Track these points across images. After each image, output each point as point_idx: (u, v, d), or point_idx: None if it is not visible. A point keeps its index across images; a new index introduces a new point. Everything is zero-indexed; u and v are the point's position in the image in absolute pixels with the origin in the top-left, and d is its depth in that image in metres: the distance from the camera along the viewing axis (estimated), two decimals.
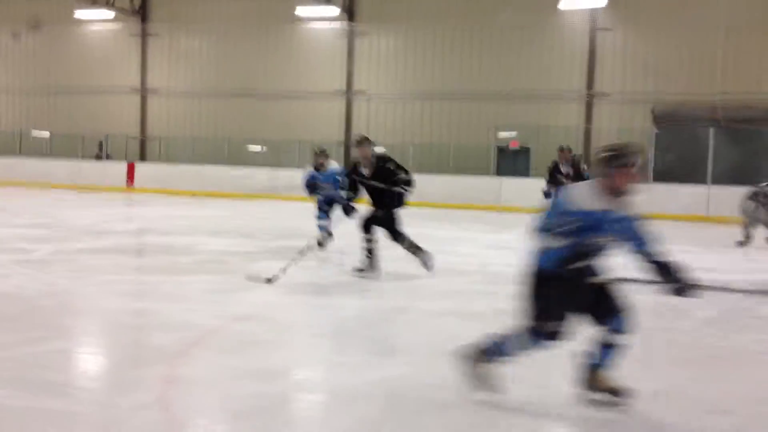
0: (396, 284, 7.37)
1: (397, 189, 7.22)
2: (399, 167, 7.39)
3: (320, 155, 9.15)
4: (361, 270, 7.42)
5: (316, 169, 9.12)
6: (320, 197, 9.11)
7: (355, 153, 7.64)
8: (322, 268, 8.25)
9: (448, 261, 8.86)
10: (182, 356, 4.30)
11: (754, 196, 10.61)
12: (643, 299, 6.88)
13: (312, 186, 9.10)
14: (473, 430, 3.33)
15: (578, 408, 3.68)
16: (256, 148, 22.40)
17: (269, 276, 6.67)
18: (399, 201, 7.34)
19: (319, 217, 9.18)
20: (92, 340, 4.77)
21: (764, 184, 10.72)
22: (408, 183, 7.33)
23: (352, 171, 7.51)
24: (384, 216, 7.36)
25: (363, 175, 7.29)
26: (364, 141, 7.32)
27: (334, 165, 9.27)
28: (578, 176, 9.22)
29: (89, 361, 4.45)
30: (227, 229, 11.49)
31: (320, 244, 8.85)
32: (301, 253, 7.58)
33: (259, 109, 23.24)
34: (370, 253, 7.44)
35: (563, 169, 9.46)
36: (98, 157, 23.34)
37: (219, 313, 5.53)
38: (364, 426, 3.32)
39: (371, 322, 5.65)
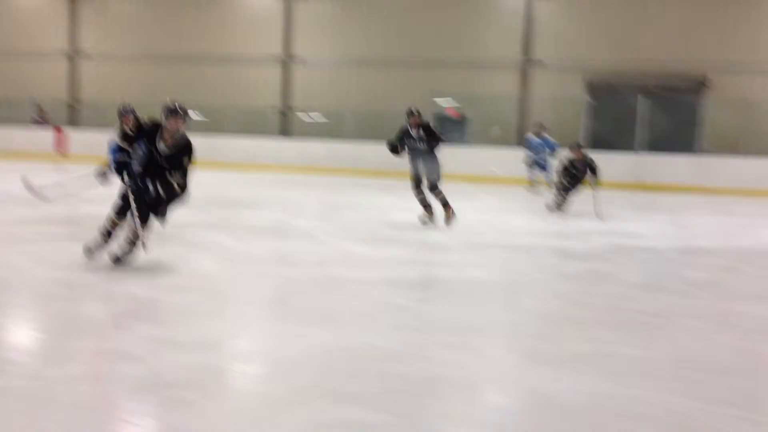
0: (331, 253, 7.39)
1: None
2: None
3: (127, 115, 7.93)
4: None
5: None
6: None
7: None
8: (256, 237, 8.20)
9: (384, 229, 8.92)
10: (114, 328, 4.24)
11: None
12: (576, 267, 7.12)
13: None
14: (405, 396, 3.38)
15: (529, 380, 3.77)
16: (192, 114, 21.94)
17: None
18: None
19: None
20: (21, 312, 4.65)
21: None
22: None
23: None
24: None
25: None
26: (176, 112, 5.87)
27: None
28: (430, 139, 9.32)
29: (17, 333, 4.35)
30: None
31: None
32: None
33: (195, 75, 22.70)
34: None
35: (413, 132, 9.40)
36: (37, 122, 22.39)
37: (153, 284, 5.45)
38: (297, 394, 3.34)
39: (306, 292, 5.65)
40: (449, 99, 20.39)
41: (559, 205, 11.21)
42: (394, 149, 9.49)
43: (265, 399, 3.34)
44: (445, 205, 9.33)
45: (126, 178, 5.77)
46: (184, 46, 22.75)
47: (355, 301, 5.29)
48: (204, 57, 22.49)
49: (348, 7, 21.98)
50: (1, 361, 3.74)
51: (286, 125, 22.44)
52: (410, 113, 9.57)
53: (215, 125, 20.89)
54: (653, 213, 12.20)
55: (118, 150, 5.87)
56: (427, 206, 9.42)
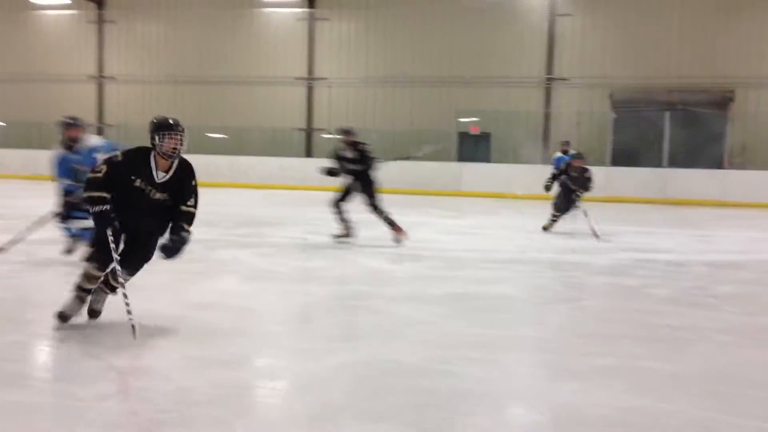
0: (355, 271, 7.41)
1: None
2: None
3: (73, 127, 6.84)
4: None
5: (68, 147, 6.84)
6: (73, 185, 6.68)
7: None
8: (278, 254, 8.25)
9: (409, 246, 8.93)
10: (142, 347, 4.29)
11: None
12: (602, 281, 7.07)
13: (68, 171, 6.79)
14: (432, 411, 3.38)
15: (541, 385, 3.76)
16: (217, 135, 22.20)
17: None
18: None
19: (71, 218, 6.84)
20: (50, 331, 4.72)
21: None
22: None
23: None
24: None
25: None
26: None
27: (97, 140, 7.18)
28: (364, 158, 9.08)
29: (48, 352, 4.41)
30: None
31: (69, 251, 7.10)
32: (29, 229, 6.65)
33: (219, 96, 23.04)
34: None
35: (348, 153, 9.16)
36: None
37: (179, 302, 5.50)
38: (326, 411, 3.36)
39: (331, 309, 5.68)
40: (473, 118, 20.43)
41: (557, 217, 10.75)
42: (333, 173, 9.24)
43: (294, 417, 3.35)
44: (391, 224, 9.13)
45: (109, 231, 4.44)
46: (208, 68, 23.10)
47: (380, 318, 5.30)
48: (228, 78, 22.79)
49: (370, 26, 22.19)
50: (31, 379, 3.81)
51: (309, 145, 22.61)
52: (344, 132, 9.28)
53: (239, 146, 21.11)
54: (679, 227, 12.09)
55: (92, 201, 4.41)
56: (345, 223, 9.24)
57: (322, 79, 22.46)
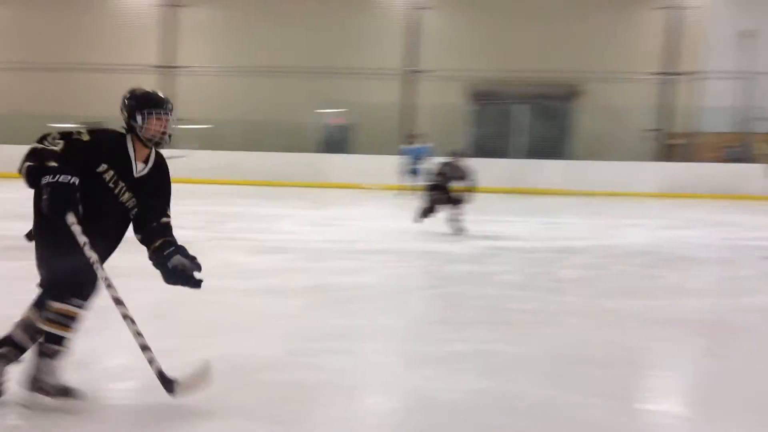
0: (212, 264, 7.25)
1: None
2: None
3: None
4: None
5: None
6: None
7: None
8: (132, 250, 7.93)
9: (269, 239, 8.84)
10: None
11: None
12: (457, 269, 7.30)
13: None
14: (288, 404, 3.36)
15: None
16: (64, 125, 21.01)
17: None
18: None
19: None
20: None
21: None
22: None
23: None
24: None
25: None
26: None
27: None
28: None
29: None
30: None
31: None
32: None
33: (69, 84, 21.77)
34: None
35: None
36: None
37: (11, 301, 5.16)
38: (177, 409, 3.26)
39: (185, 304, 5.51)
40: (334, 109, 20.51)
41: (427, 212, 10.16)
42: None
43: (144, 415, 3.24)
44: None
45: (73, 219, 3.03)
46: (58, 54, 21.75)
47: (238, 312, 5.21)
48: (77, 66, 21.58)
49: (232, 14, 21.74)
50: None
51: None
52: None
53: None
54: (532, 216, 12.71)
55: (58, 170, 2.99)
56: None
57: (183, 67, 21.76)
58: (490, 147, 18.79)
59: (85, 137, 3.15)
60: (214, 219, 11.05)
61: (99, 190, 3.16)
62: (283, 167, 18.08)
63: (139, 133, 3.24)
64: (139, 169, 3.29)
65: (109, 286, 3.28)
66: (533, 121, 19.35)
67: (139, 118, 3.22)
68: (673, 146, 19.79)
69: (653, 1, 20.37)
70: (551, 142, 19.31)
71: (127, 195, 3.27)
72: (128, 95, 3.31)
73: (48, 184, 2.95)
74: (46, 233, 3.13)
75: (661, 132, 20.06)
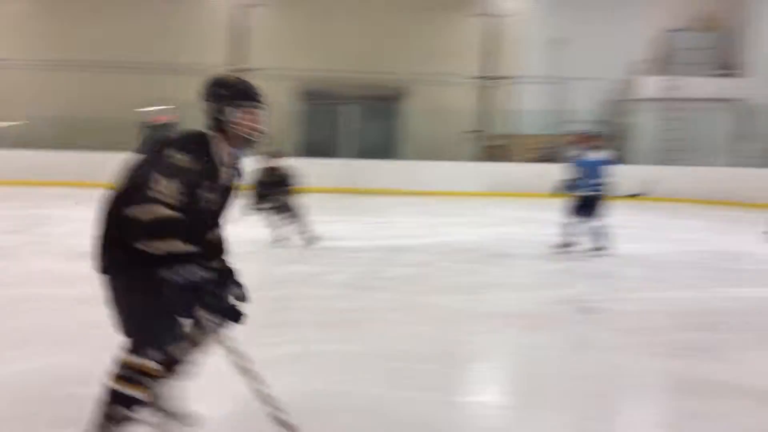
0: (27, 271, 6.76)
1: None
2: None
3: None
4: None
5: None
6: None
7: None
8: None
9: (84, 244, 8.33)
10: None
11: None
12: (286, 271, 7.25)
13: None
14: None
15: None
16: None
17: None
18: None
19: None
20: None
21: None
22: None
23: None
24: None
25: None
26: None
27: None
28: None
29: None
30: None
31: None
32: None
33: None
34: None
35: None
36: None
37: None
38: None
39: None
40: (157, 106, 19.72)
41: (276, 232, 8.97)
42: None
43: None
44: None
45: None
46: None
47: (52, 321, 4.87)
48: None
49: (51, 6, 20.35)
50: None
51: None
52: None
53: None
54: (359, 215, 12.92)
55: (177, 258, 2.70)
56: None
57: None
58: (320, 147, 18.89)
59: (184, 161, 2.67)
60: (26, 223, 10.29)
61: (199, 208, 2.77)
62: (101, 167, 17.07)
63: (231, 131, 2.85)
64: (224, 174, 2.88)
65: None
66: (363, 121, 19.66)
67: (227, 112, 2.85)
68: (494, 147, 20.85)
69: (472, 7, 21.37)
70: (381, 142, 19.74)
71: (216, 204, 2.91)
72: (218, 83, 2.93)
73: (182, 277, 2.68)
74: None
75: (481, 133, 21.07)
